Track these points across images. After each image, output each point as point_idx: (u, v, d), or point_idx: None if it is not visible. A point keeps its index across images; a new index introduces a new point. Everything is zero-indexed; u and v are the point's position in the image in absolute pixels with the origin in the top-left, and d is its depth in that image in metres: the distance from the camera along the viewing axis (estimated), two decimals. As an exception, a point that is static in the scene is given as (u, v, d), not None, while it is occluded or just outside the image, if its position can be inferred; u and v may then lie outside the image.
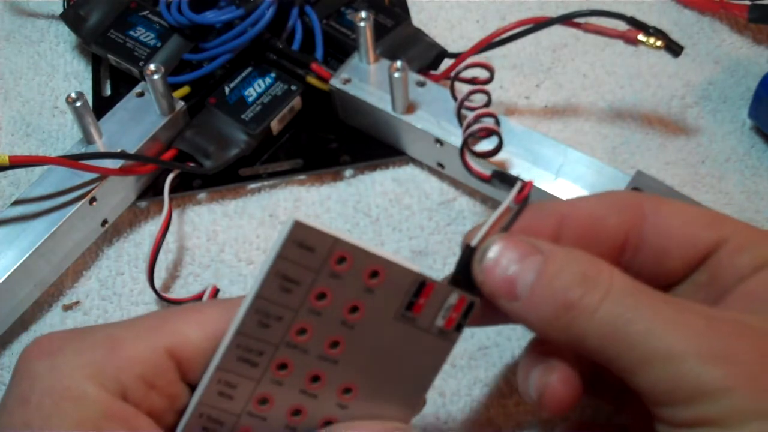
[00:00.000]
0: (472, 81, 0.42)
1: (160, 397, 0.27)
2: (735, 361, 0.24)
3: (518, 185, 0.30)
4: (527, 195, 0.30)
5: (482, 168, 0.37)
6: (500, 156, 0.42)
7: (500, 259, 0.27)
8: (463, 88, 0.41)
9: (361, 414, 0.29)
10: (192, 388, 0.28)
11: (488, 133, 0.39)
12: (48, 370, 0.26)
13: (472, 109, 0.40)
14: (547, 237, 0.29)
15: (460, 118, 0.40)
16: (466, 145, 0.38)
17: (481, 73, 0.42)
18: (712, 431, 0.24)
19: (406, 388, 0.30)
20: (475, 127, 0.39)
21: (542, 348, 0.29)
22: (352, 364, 0.29)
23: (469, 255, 0.29)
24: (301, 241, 0.26)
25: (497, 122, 0.40)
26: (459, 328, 0.29)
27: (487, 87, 0.41)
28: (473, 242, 0.29)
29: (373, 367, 0.29)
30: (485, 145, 0.40)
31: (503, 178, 0.33)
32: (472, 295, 0.29)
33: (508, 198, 0.30)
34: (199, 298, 0.41)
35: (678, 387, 0.24)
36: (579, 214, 0.30)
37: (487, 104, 0.41)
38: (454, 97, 0.42)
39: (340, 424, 0.29)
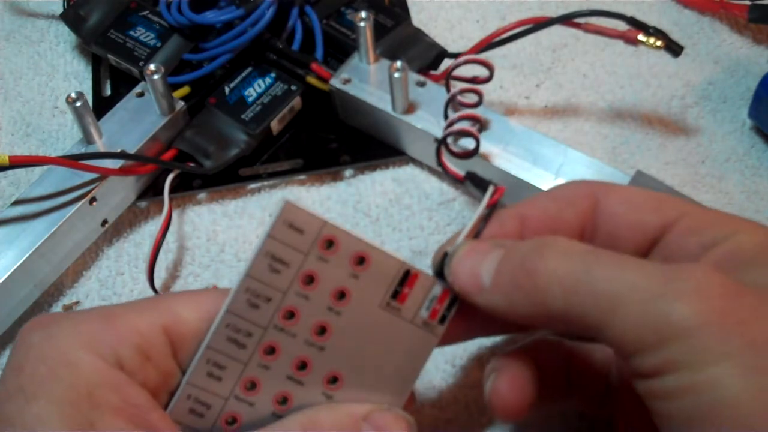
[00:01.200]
0: (472, 80, 0.42)
1: (154, 372, 0.28)
2: (702, 297, 0.23)
3: (490, 190, 0.31)
4: (497, 201, 0.31)
5: (457, 168, 0.38)
6: (500, 155, 0.42)
7: (466, 259, 0.28)
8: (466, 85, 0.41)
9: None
10: (184, 372, 0.29)
11: (466, 134, 0.39)
12: (43, 338, 0.27)
13: (466, 106, 0.40)
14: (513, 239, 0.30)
15: (447, 115, 0.41)
16: (444, 144, 0.38)
17: (482, 73, 0.42)
18: (682, 376, 0.23)
19: (391, 381, 0.30)
20: (455, 127, 0.39)
21: (503, 356, 0.30)
22: (339, 352, 0.29)
23: (442, 261, 0.30)
24: (291, 222, 0.27)
25: (481, 125, 0.40)
26: (443, 321, 0.30)
27: (486, 86, 0.41)
28: (449, 249, 0.29)
29: (359, 357, 0.29)
30: (468, 145, 0.40)
31: (476, 182, 0.34)
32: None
33: (482, 204, 0.31)
34: None
35: (647, 330, 0.23)
36: (537, 213, 0.30)
37: (478, 104, 0.41)
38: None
39: (306, 410, 0.29)
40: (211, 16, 0.47)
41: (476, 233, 0.30)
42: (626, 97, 0.49)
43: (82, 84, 0.51)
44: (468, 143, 0.40)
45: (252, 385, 0.29)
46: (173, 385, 0.29)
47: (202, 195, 0.46)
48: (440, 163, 0.38)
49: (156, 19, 0.49)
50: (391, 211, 0.45)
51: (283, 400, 0.29)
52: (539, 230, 0.29)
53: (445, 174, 0.41)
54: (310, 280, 0.28)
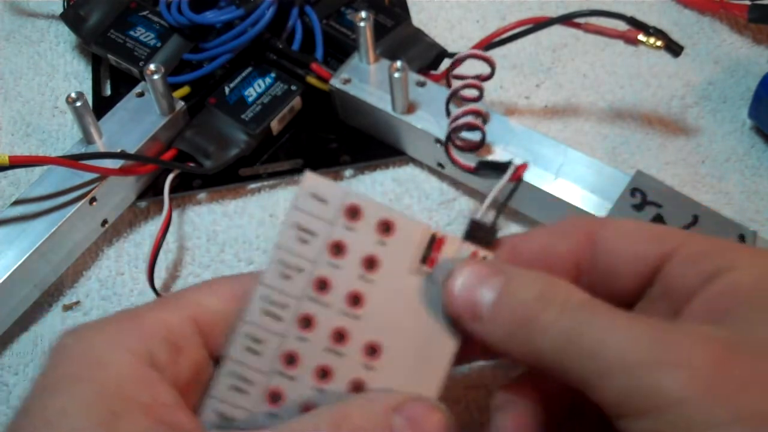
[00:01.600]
0: (475, 78, 0.42)
1: (187, 364, 0.28)
2: (689, 369, 0.23)
3: (512, 167, 0.31)
4: (521, 175, 0.31)
5: (468, 161, 0.38)
6: (500, 155, 0.42)
7: (464, 281, 0.28)
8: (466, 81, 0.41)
9: (388, 379, 0.29)
10: (216, 362, 0.29)
11: (472, 127, 0.40)
12: (75, 341, 0.27)
13: (467, 100, 0.40)
14: None
15: (449, 111, 0.41)
16: (450, 140, 0.38)
17: (483, 71, 0.42)
18: None
19: (429, 349, 0.29)
20: (460, 121, 0.39)
21: (508, 390, 0.30)
22: (375, 320, 0.29)
23: (472, 225, 0.30)
24: (314, 192, 0.28)
25: (483, 118, 0.40)
26: None
27: (486, 87, 0.41)
28: (478, 215, 0.30)
29: (395, 325, 0.29)
30: (474, 137, 0.41)
31: (492, 166, 0.34)
32: (486, 248, 0.29)
33: (504, 177, 0.31)
34: None
35: (633, 398, 0.24)
36: (530, 245, 0.30)
37: (479, 98, 0.41)
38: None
39: (336, 404, 0.28)
40: (211, 16, 0.47)
41: (503, 203, 0.30)
42: (626, 97, 0.49)
43: (82, 84, 0.51)
44: (473, 135, 0.41)
45: (291, 359, 0.29)
46: (206, 378, 0.29)
47: (202, 195, 0.46)
48: (449, 156, 0.38)
49: (156, 19, 0.49)
50: (391, 211, 0.45)
51: (323, 374, 0.29)
52: (530, 262, 0.29)
53: (454, 168, 0.41)
54: (338, 249, 0.29)
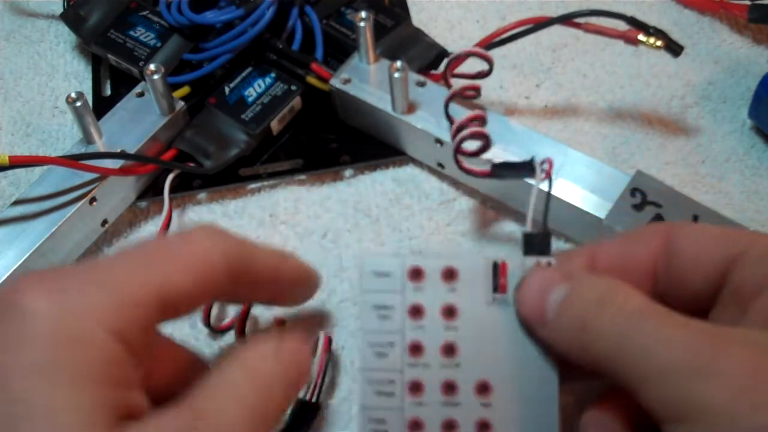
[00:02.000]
0: (475, 75, 0.42)
1: (149, 340, 0.27)
2: (727, 377, 0.24)
3: (540, 166, 0.33)
4: (550, 172, 0.32)
5: (481, 166, 0.38)
6: (500, 156, 0.42)
7: (532, 288, 0.29)
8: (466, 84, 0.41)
9: (507, 409, 0.30)
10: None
11: (478, 135, 0.39)
12: (54, 309, 0.25)
13: (467, 97, 0.40)
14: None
15: (448, 114, 0.41)
16: (458, 151, 0.38)
17: (480, 71, 0.42)
18: None
19: (534, 365, 0.30)
20: (465, 132, 0.39)
21: (596, 408, 0.30)
22: (473, 361, 0.30)
23: (525, 238, 0.31)
24: (375, 270, 0.31)
25: (484, 121, 0.40)
26: None
27: (486, 87, 0.41)
28: (527, 226, 0.32)
29: (493, 358, 0.30)
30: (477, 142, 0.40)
31: (511, 167, 0.34)
32: (546, 255, 0.31)
33: (537, 178, 0.33)
34: (242, 323, 0.39)
35: (673, 404, 0.24)
36: (608, 252, 0.31)
37: (476, 96, 0.41)
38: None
39: None
40: (211, 16, 0.47)
41: (545, 217, 0.32)
42: (626, 97, 0.49)
43: (82, 84, 0.51)
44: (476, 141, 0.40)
45: (416, 425, 0.30)
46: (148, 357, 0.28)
47: (202, 195, 0.46)
48: (462, 169, 0.38)
49: (156, 19, 0.49)
50: (391, 211, 0.45)
51: (450, 426, 0.30)
52: (609, 270, 0.30)
53: (454, 169, 0.41)
54: (416, 311, 0.31)
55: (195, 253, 0.29)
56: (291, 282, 0.34)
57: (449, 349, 0.31)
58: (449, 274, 0.31)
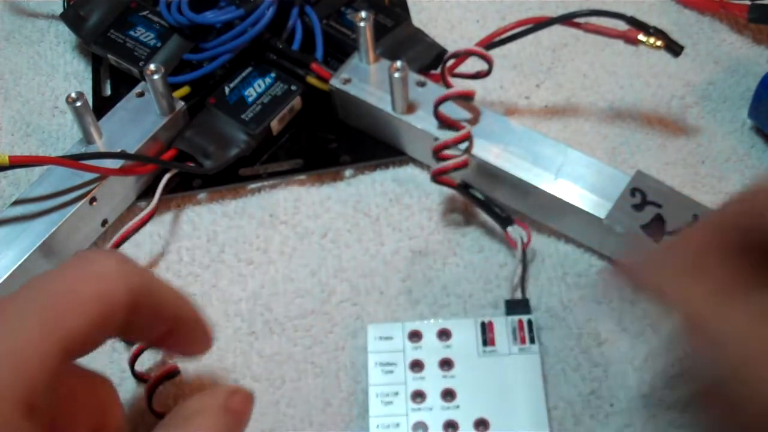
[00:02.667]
0: (474, 76, 0.42)
1: (54, 396, 0.26)
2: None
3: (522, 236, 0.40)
4: (526, 247, 0.40)
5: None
6: (500, 155, 0.42)
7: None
8: (465, 84, 0.41)
9: None
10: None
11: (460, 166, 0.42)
12: None
13: (462, 96, 0.40)
14: None
15: (438, 115, 0.42)
16: (438, 172, 0.41)
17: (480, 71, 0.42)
18: None
19: (525, 406, 0.36)
20: (448, 164, 0.41)
21: None
22: (471, 402, 0.36)
23: (508, 304, 0.40)
24: (380, 335, 0.38)
25: (470, 139, 0.42)
26: (533, 341, 0.38)
27: (486, 86, 0.41)
28: (508, 295, 0.40)
29: (488, 397, 0.36)
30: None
31: (489, 208, 0.41)
32: (526, 314, 0.38)
33: (517, 260, 0.40)
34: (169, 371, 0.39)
35: None
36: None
37: (471, 98, 0.42)
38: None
39: None
40: (211, 16, 0.47)
41: (522, 286, 0.40)
42: (626, 97, 0.49)
43: (82, 84, 0.51)
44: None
45: None
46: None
47: (202, 195, 0.46)
48: (451, 186, 0.42)
49: (156, 19, 0.49)
50: (391, 211, 0.45)
51: None
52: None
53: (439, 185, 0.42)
54: (417, 365, 0.37)
55: (99, 293, 0.27)
56: (192, 323, 0.32)
57: (449, 394, 0.36)
58: (443, 334, 0.38)
